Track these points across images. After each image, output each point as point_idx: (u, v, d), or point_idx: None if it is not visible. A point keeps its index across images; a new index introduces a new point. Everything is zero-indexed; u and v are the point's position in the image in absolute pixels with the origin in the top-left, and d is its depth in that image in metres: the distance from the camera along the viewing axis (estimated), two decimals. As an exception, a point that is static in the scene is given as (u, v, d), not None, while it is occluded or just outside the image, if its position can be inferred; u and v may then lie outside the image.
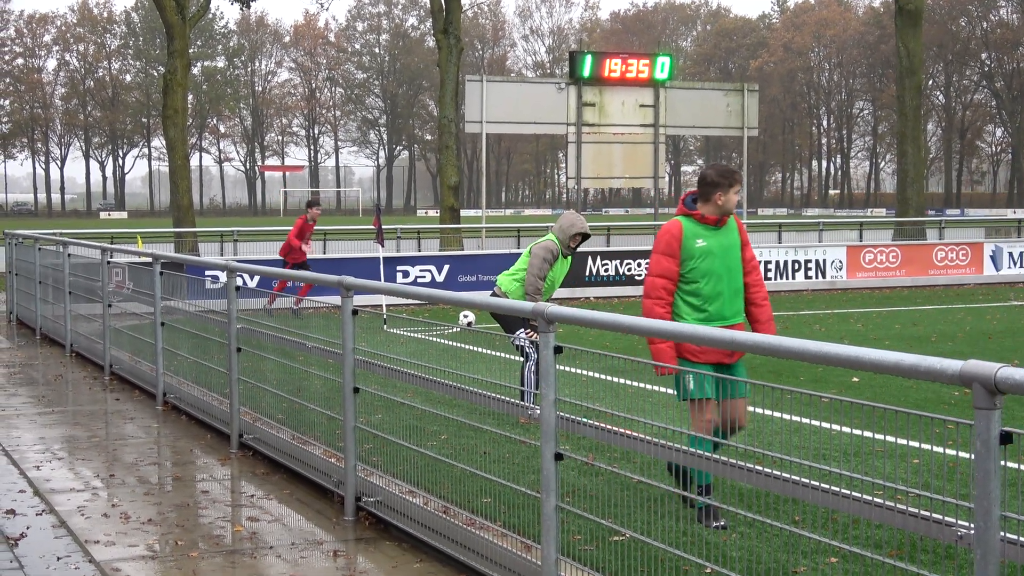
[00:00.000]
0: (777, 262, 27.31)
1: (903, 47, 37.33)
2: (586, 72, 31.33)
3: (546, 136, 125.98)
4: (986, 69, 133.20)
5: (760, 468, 4.93)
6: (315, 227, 22.03)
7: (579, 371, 7.11)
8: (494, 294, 11.60)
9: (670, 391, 9.62)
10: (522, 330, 10.62)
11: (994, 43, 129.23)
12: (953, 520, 4.00)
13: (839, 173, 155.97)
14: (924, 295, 26.10)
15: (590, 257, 25.92)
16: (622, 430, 5.57)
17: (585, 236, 11.52)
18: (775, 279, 26.90)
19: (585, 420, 5.72)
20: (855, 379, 12.82)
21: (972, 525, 3.77)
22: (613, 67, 31.68)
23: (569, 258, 11.67)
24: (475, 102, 30.73)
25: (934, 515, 4.07)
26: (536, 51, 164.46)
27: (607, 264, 26.03)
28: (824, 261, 27.96)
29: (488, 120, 30.80)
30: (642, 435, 5.43)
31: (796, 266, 27.51)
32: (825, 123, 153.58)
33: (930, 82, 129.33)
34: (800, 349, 4.47)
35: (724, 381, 6.84)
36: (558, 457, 5.64)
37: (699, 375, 7.09)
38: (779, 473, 4.87)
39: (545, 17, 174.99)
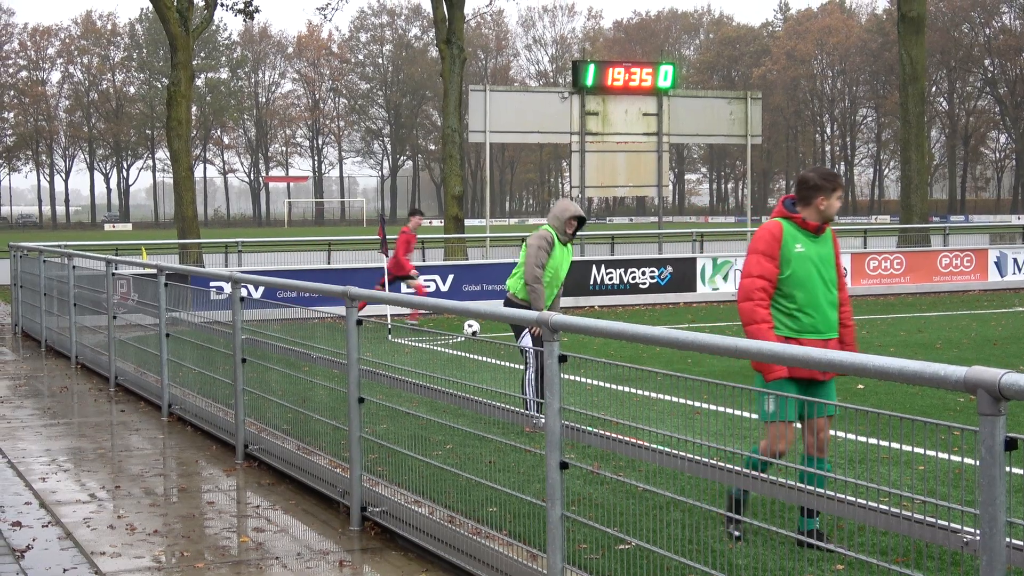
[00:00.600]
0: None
1: (906, 54, 37.34)
2: (589, 81, 31.37)
3: (550, 145, 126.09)
4: (989, 75, 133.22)
5: (765, 476, 4.93)
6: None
7: (584, 380, 7.12)
8: (507, 299, 11.58)
9: (675, 399, 9.62)
10: (527, 330, 10.61)
11: (997, 50, 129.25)
12: (959, 526, 4.00)
13: (843, 180, 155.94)
14: (929, 302, 26.08)
15: (594, 266, 25.94)
16: (627, 438, 5.57)
17: (581, 219, 11.47)
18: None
19: (590, 429, 5.72)
20: (860, 386, 12.81)
21: (978, 531, 3.76)
22: (616, 76, 31.72)
23: (570, 247, 11.63)
24: (478, 112, 30.77)
25: (940, 521, 4.07)
26: (539, 60, 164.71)
27: (611, 273, 26.02)
28: (828, 268, 27.93)
29: (492, 130, 30.83)
30: (647, 443, 5.42)
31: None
32: (828, 130, 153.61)
33: (933, 89, 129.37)
34: (804, 356, 4.48)
35: (811, 401, 6.53)
36: (563, 466, 5.64)
37: (783, 396, 6.58)
38: (784, 480, 4.87)
39: (548, 26, 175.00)
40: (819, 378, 6.93)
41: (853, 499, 4.49)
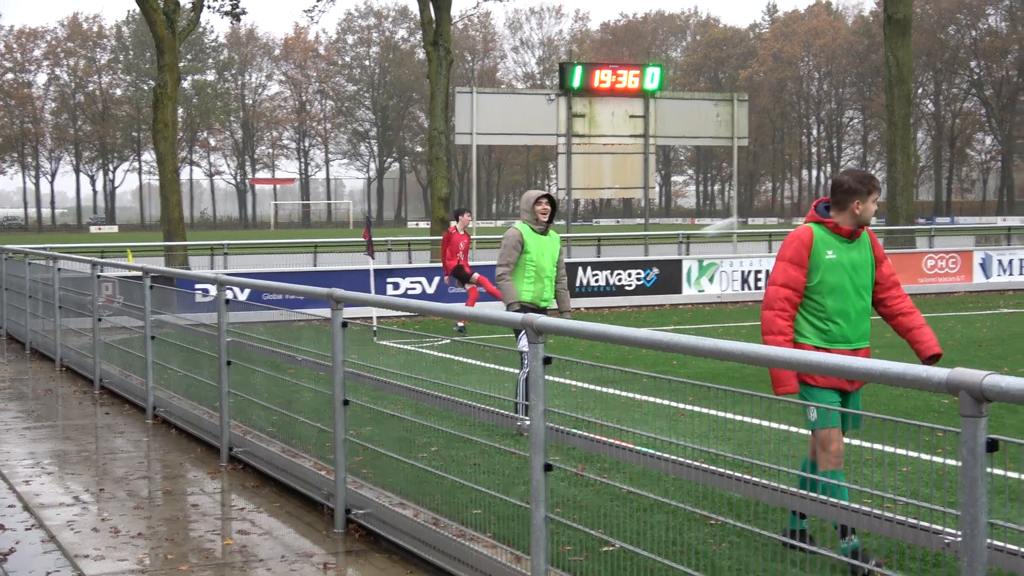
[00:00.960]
0: (768, 271, 27.31)
1: (892, 56, 37.42)
2: (576, 83, 31.40)
3: (536, 147, 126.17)
4: (975, 77, 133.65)
5: (750, 477, 4.94)
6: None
7: (570, 382, 7.12)
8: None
9: (660, 401, 9.62)
10: (522, 332, 10.57)
11: (983, 51, 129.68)
12: (941, 528, 4.01)
13: (829, 182, 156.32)
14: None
15: (580, 268, 25.93)
16: (612, 440, 5.56)
17: (550, 200, 11.39)
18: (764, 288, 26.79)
19: (575, 431, 5.72)
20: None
21: (959, 532, 3.77)
22: (603, 78, 31.77)
23: (553, 235, 11.55)
24: (465, 114, 30.78)
25: (921, 523, 4.08)
26: (526, 62, 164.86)
27: (597, 275, 26.04)
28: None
29: (478, 132, 30.85)
30: (632, 445, 5.42)
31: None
32: (815, 132, 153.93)
33: (919, 91, 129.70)
34: (788, 358, 4.48)
35: (843, 412, 6.36)
36: (548, 468, 5.64)
37: (824, 401, 6.57)
38: (768, 482, 4.87)
39: (535, 29, 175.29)
40: (847, 388, 6.74)
41: (836, 500, 4.49)
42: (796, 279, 6.74)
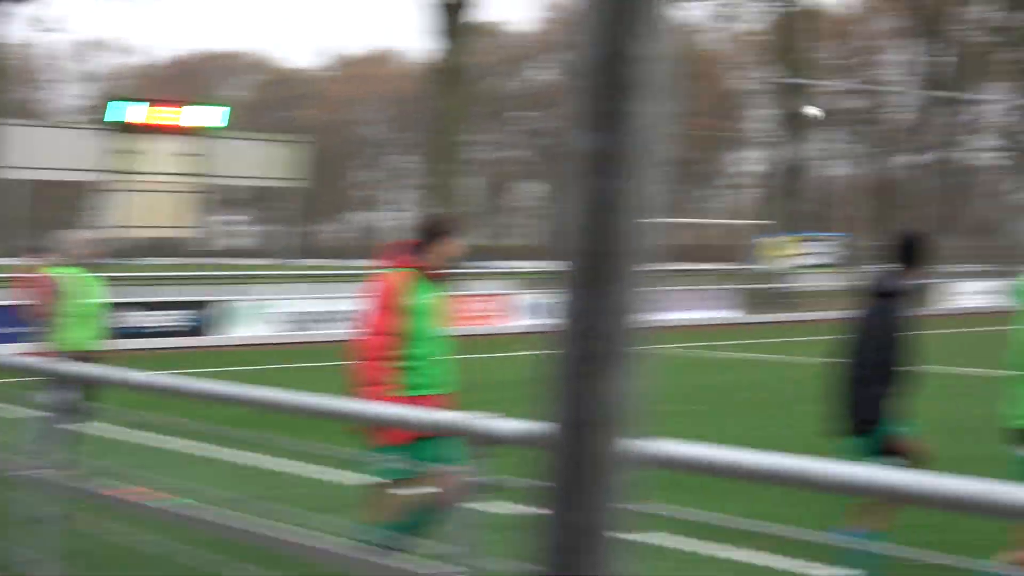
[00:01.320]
0: (322, 311, 27.37)
1: (445, 103, 38.54)
2: (130, 118, 30.78)
3: (86, 183, 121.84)
4: (526, 126, 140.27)
5: (270, 525, 4.96)
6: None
7: (100, 429, 6.91)
8: None
9: (185, 448, 9.47)
10: None
11: (535, 102, 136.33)
12: (440, 567, 4.18)
13: (386, 223, 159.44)
14: (449, 347, 26.72)
15: (125, 308, 25.17)
16: (135, 491, 5.47)
17: (96, 241, 11.12)
18: (317, 330, 26.82)
19: (97, 480, 5.58)
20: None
21: (439, 570, 3.95)
22: (160, 115, 31.33)
23: (95, 277, 11.20)
24: (10, 146, 29.37)
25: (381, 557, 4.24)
26: (81, 95, 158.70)
27: (144, 315, 25.34)
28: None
29: (23, 166, 29.55)
30: (158, 492, 5.36)
31: (340, 316, 27.69)
32: (370, 175, 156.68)
33: (471, 137, 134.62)
34: (277, 401, 4.56)
35: (441, 453, 5.90)
36: (52, 520, 5.47)
37: (405, 451, 6.13)
38: (288, 530, 4.91)
39: (91, 61, 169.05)
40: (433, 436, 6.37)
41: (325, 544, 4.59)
42: (392, 326, 6.62)
